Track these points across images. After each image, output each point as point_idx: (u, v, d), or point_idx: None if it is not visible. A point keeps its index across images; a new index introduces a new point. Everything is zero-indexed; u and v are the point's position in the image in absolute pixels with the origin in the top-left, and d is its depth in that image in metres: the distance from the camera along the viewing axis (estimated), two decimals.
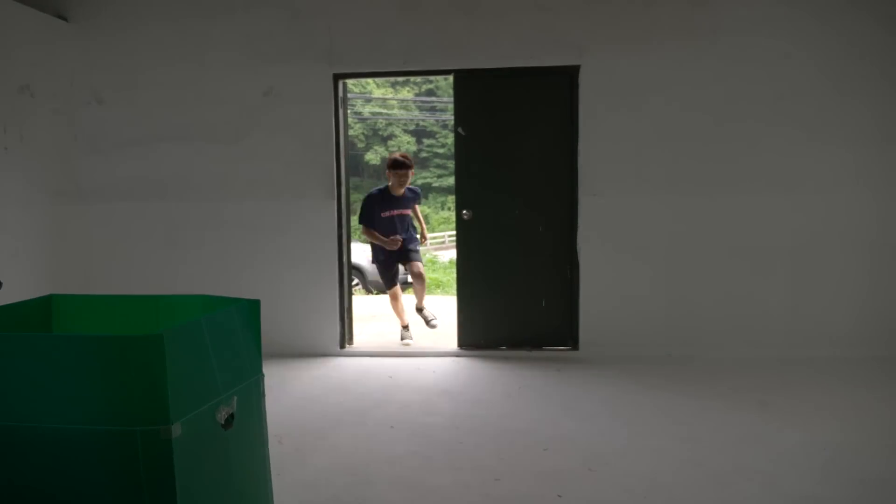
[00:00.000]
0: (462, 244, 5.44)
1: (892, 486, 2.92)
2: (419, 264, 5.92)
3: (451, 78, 5.33)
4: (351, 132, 8.48)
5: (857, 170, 5.01)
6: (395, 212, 5.78)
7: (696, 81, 5.04)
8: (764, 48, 4.99)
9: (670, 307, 5.04)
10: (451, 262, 13.37)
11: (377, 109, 25.67)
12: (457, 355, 5.32)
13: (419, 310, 5.90)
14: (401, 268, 6.15)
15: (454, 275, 5.94)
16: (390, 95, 25.55)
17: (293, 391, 4.40)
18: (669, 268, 5.04)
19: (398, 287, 5.94)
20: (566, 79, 5.13)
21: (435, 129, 25.36)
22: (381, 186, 5.90)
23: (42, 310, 2.42)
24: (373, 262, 6.30)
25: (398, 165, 5.76)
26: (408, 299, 6.39)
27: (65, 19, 5.41)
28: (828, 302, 5.06)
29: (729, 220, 5.10)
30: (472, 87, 5.28)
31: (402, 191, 5.80)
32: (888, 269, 5.02)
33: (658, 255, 5.04)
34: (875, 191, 5.02)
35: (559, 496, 2.83)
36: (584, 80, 5.06)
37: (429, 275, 14.72)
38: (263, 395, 2.28)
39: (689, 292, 5.07)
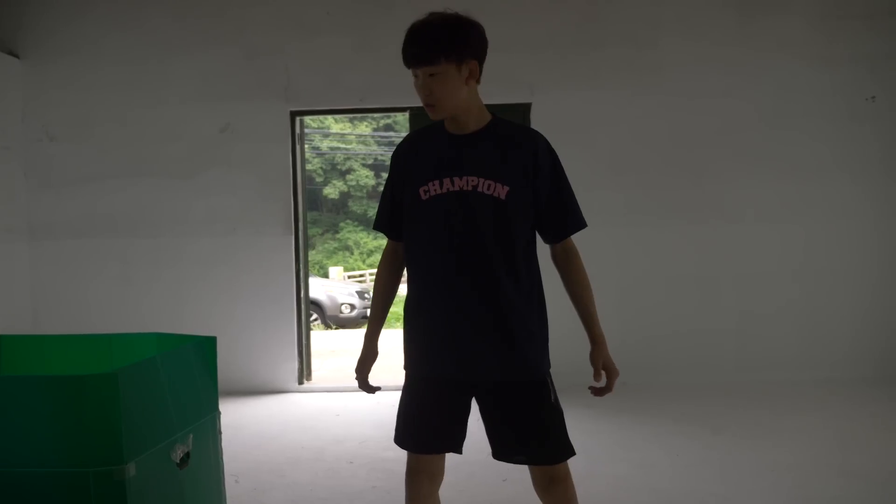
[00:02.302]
0: None
1: None
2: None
3: (408, 114, 5.44)
4: (309, 166, 8.49)
5: (795, 200, 5.24)
6: None
7: (643, 116, 5.24)
8: (705, 85, 5.23)
9: (625, 335, 5.13)
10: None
11: (335, 144, 25.75)
12: None
13: None
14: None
15: None
16: (348, 130, 25.68)
17: (250, 428, 4.34)
18: (623, 297, 5.17)
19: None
20: (518, 115, 5.28)
21: None
22: None
23: None
24: None
25: None
26: None
27: (16, 56, 5.36)
28: (772, 327, 5.24)
29: (678, 249, 5.27)
30: (428, 124, 5.37)
31: None
32: (828, 294, 5.24)
33: (611, 284, 5.16)
34: (812, 220, 5.25)
35: (504, 480, 2.86)
36: (535, 116, 5.21)
37: None
38: (220, 432, 2.27)
39: (642, 320, 5.20)
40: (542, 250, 1.99)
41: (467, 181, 1.87)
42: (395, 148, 2.10)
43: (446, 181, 1.88)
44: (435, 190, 1.89)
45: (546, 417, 1.92)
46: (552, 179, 1.92)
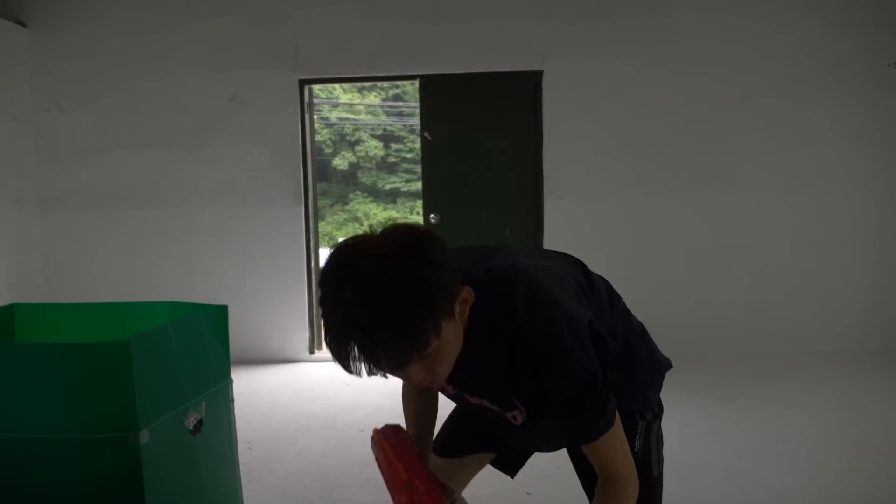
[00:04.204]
0: None
1: (847, 476, 3.03)
2: None
3: (417, 83, 5.38)
4: (318, 137, 8.45)
5: (811, 172, 5.17)
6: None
7: (655, 86, 5.15)
8: (720, 54, 5.13)
9: (634, 305, 5.11)
10: None
11: (344, 115, 25.58)
12: None
13: None
14: None
15: None
16: (357, 101, 25.49)
17: (262, 397, 4.38)
18: (632, 268, 5.14)
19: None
20: (530, 84, 5.21)
21: (402, 133, 25.36)
22: None
23: (5, 320, 2.40)
24: None
25: None
26: None
27: (24, 25, 5.32)
28: (784, 299, 5.21)
29: (689, 220, 5.22)
30: (438, 93, 5.32)
31: None
32: (842, 266, 5.19)
33: (622, 255, 5.14)
34: (828, 192, 5.18)
35: (528, 493, 2.88)
36: (547, 85, 5.14)
37: None
38: (232, 400, 2.29)
39: (652, 292, 5.17)
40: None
41: (471, 397, 1.45)
42: None
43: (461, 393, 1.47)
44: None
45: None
46: (573, 407, 1.27)
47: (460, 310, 1.18)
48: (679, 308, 5.18)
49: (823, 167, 5.16)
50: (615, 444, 1.29)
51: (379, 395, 4.38)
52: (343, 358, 1.12)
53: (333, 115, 25.39)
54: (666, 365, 1.60)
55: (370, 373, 1.12)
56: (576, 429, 1.27)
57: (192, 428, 2.00)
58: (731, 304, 5.22)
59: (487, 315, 1.24)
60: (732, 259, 5.22)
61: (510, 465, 1.68)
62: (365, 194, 25.37)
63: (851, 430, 3.56)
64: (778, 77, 5.13)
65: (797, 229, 5.20)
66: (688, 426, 3.66)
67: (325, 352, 5.55)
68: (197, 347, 2.08)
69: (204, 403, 2.06)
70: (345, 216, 25.32)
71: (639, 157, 5.18)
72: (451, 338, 1.16)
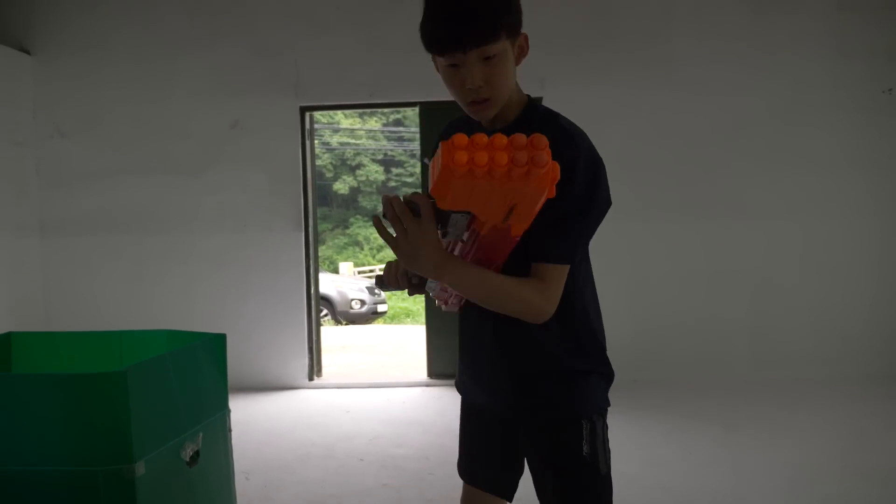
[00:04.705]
0: None
1: None
2: None
3: (417, 109, 5.41)
4: (319, 162, 8.52)
5: (811, 196, 5.18)
6: None
7: (654, 111, 5.19)
8: (718, 80, 5.17)
9: (637, 331, 5.11)
10: None
11: (345, 139, 25.76)
12: (427, 385, 5.31)
13: None
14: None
15: (423, 303, 5.95)
16: (358, 126, 25.67)
17: (260, 425, 4.34)
18: (635, 293, 5.13)
19: None
20: None
21: (403, 158, 25.51)
22: None
23: (1, 348, 2.38)
24: None
25: None
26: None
27: (28, 52, 5.37)
28: (786, 323, 5.18)
29: (689, 244, 5.22)
30: (438, 119, 5.33)
31: None
32: (844, 289, 5.17)
33: (623, 280, 5.13)
34: (829, 216, 5.18)
35: None
36: None
37: (398, 304, 14.67)
38: (230, 430, 2.26)
39: (654, 316, 5.16)
40: (510, 270, 1.66)
41: None
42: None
43: None
44: None
45: (566, 471, 1.49)
46: (570, 195, 1.34)
47: (518, 51, 1.41)
48: (681, 332, 5.16)
49: (823, 191, 5.17)
50: (560, 281, 1.37)
51: (379, 423, 4.34)
52: (441, 18, 1.34)
53: (335, 140, 25.56)
54: (609, 374, 1.59)
55: (453, 42, 1.33)
56: (548, 239, 1.34)
57: (188, 459, 1.97)
58: (732, 329, 5.19)
59: (537, 110, 1.47)
60: (733, 283, 5.21)
61: (503, 485, 1.65)
62: (366, 218, 25.44)
63: (857, 457, 3.51)
64: (776, 102, 5.17)
65: (799, 253, 5.20)
66: (691, 454, 3.62)
67: (324, 378, 5.52)
68: (194, 377, 2.06)
69: (201, 434, 2.03)
70: (345, 240, 25.38)
71: (639, 182, 5.19)
72: (510, 61, 1.38)
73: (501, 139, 1.12)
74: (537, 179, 1.13)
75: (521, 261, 1.37)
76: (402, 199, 1.25)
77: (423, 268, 1.29)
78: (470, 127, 1.47)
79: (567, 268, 1.38)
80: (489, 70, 1.35)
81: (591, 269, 1.55)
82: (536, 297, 1.35)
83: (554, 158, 1.19)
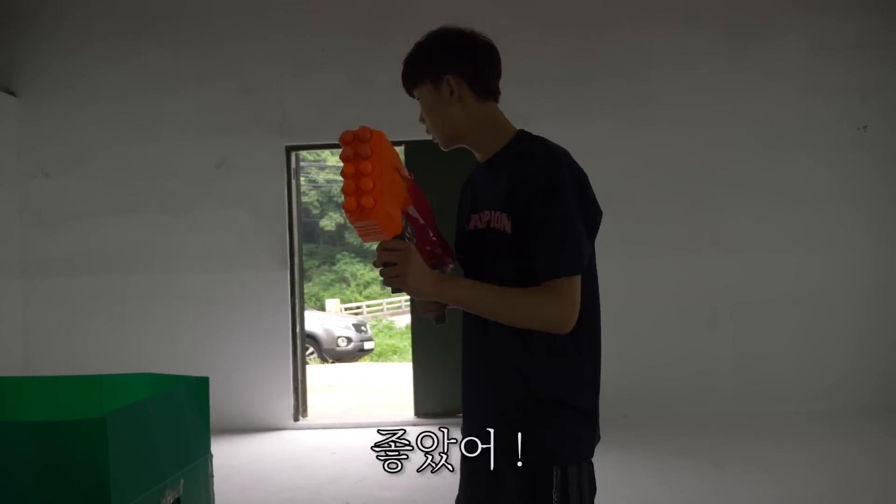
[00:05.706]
0: (417, 310, 5.44)
1: None
2: None
3: (403, 148, 5.45)
4: (305, 199, 8.50)
5: (794, 230, 5.24)
6: None
7: (636, 148, 5.26)
8: (697, 116, 5.27)
9: (623, 368, 5.09)
10: (407, 327, 13.35)
11: (332, 176, 25.85)
12: (413, 424, 5.24)
13: None
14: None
15: (409, 340, 5.91)
16: None
17: (244, 469, 4.25)
18: (620, 329, 5.11)
19: None
20: None
21: None
22: None
23: None
24: None
25: None
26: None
27: (13, 94, 5.38)
28: (772, 357, 5.19)
29: (674, 279, 5.25)
30: (424, 158, 5.38)
31: None
32: (827, 323, 5.20)
33: (608, 315, 5.10)
34: (812, 249, 5.24)
35: None
36: None
37: (385, 341, 14.55)
38: (212, 476, 2.21)
39: (640, 353, 5.15)
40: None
41: (480, 217, 1.57)
42: None
43: (474, 218, 1.60)
44: (464, 230, 1.65)
45: None
46: (543, 203, 1.42)
47: (448, 89, 1.56)
48: (666, 367, 5.15)
49: (807, 225, 5.24)
50: (575, 289, 1.45)
51: (366, 465, 4.26)
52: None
53: (321, 177, 25.65)
54: (590, 412, 1.58)
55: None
56: (550, 255, 1.42)
57: None
58: (720, 364, 5.19)
59: (523, 138, 1.63)
60: (720, 318, 5.23)
61: None
62: (352, 255, 25.43)
63: (846, 492, 3.49)
64: (756, 139, 5.27)
65: (784, 286, 5.23)
66: (682, 494, 3.58)
67: (309, 419, 5.44)
68: (176, 422, 2.02)
69: (182, 481, 1.98)
70: (332, 276, 25.29)
71: (623, 217, 5.22)
72: (433, 102, 1.57)
73: (345, 167, 1.35)
74: (367, 150, 1.34)
75: (527, 280, 1.44)
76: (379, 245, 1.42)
77: (423, 291, 1.44)
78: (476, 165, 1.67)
79: (578, 278, 1.45)
80: (424, 111, 1.60)
81: (597, 307, 1.63)
82: (555, 304, 1.42)
83: (536, 168, 1.47)
